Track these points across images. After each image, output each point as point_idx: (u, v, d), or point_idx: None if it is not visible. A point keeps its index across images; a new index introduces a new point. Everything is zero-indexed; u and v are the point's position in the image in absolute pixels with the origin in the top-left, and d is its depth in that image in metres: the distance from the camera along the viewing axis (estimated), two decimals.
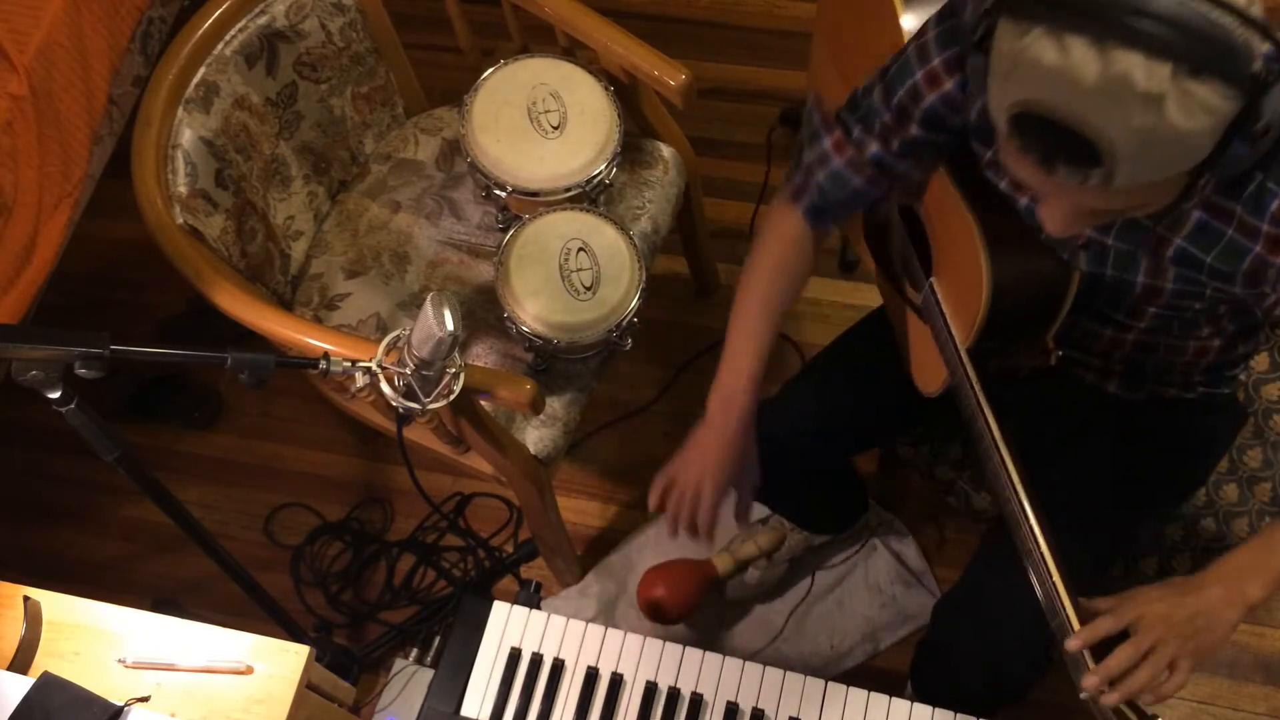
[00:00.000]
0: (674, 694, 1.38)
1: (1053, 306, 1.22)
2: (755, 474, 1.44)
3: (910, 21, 1.52)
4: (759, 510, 2.02)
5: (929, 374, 1.43)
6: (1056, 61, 0.88)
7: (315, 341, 1.52)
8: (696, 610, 1.99)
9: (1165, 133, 0.88)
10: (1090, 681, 1.11)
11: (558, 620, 1.43)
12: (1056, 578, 1.16)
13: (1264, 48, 0.88)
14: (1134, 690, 1.10)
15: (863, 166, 1.32)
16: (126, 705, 1.27)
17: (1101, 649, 1.11)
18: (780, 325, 1.43)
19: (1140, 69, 0.86)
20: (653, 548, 2.11)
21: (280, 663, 1.32)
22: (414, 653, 2.00)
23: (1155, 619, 1.11)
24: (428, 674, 1.93)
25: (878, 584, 2.05)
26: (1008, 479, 1.23)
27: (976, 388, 1.27)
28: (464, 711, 1.37)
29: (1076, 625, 1.13)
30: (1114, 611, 1.12)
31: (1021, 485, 1.21)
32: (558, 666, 1.40)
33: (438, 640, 2.02)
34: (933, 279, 1.35)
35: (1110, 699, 1.10)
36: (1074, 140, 0.90)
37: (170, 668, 1.32)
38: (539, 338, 1.66)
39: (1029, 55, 0.90)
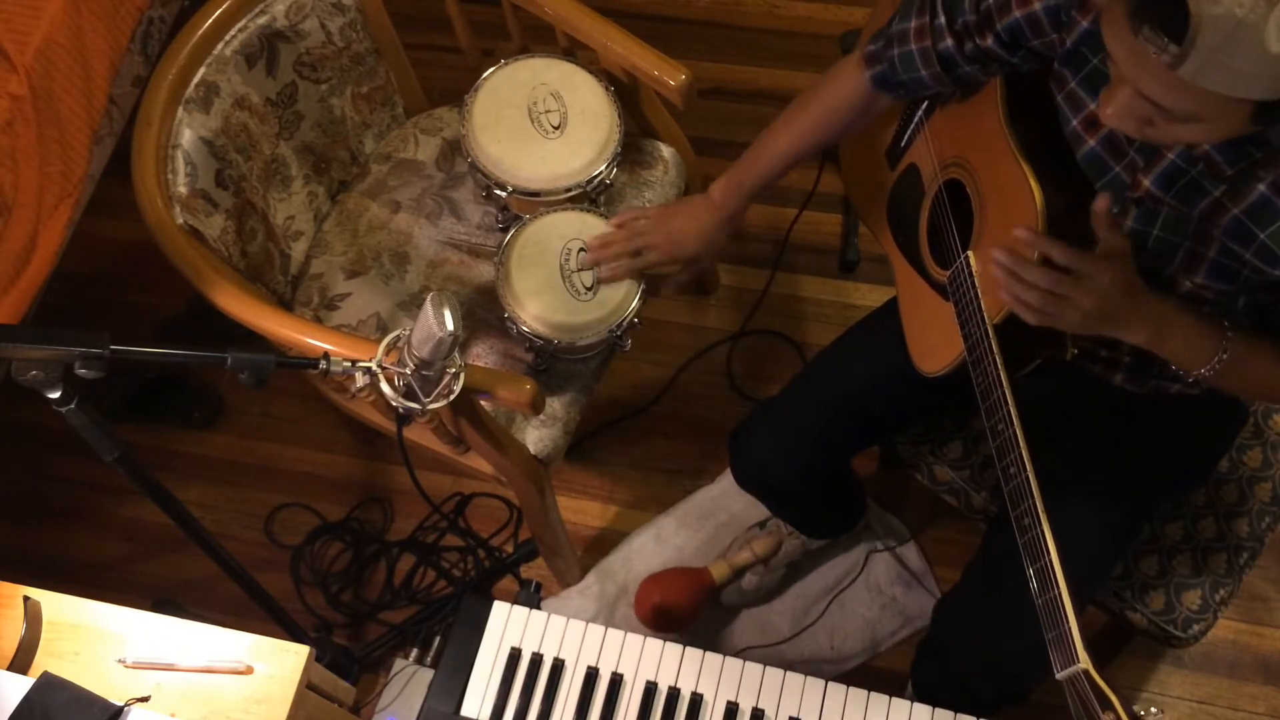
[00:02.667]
0: (674, 694, 1.38)
1: None
2: (707, 268, 1.53)
3: None
4: (758, 513, 2.03)
5: (934, 354, 1.43)
6: None
7: (315, 341, 1.52)
8: (695, 618, 1.99)
9: (1252, 39, 0.88)
10: (999, 255, 1.18)
11: (558, 620, 1.43)
12: (1063, 587, 1.15)
13: None
14: (1017, 294, 1.18)
15: (932, 60, 1.35)
16: (126, 705, 1.27)
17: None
18: (802, 160, 1.53)
19: None
20: (653, 548, 2.11)
21: (280, 663, 1.32)
22: (414, 653, 2.00)
23: (1099, 285, 1.16)
24: (428, 674, 1.93)
25: (878, 584, 2.05)
26: (1020, 463, 1.23)
27: (998, 361, 1.27)
28: (464, 711, 1.37)
29: (1078, 638, 1.13)
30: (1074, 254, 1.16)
31: (1034, 476, 1.22)
32: (558, 666, 1.40)
33: (438, 640, 2.02)
34: (969, 253, 1.35)
35: (1006, 294, 1.19)
36: (1171, 9, 0.91)
37: (170, 668, 1.32)
38: (539, 338, 1.66)
39: None
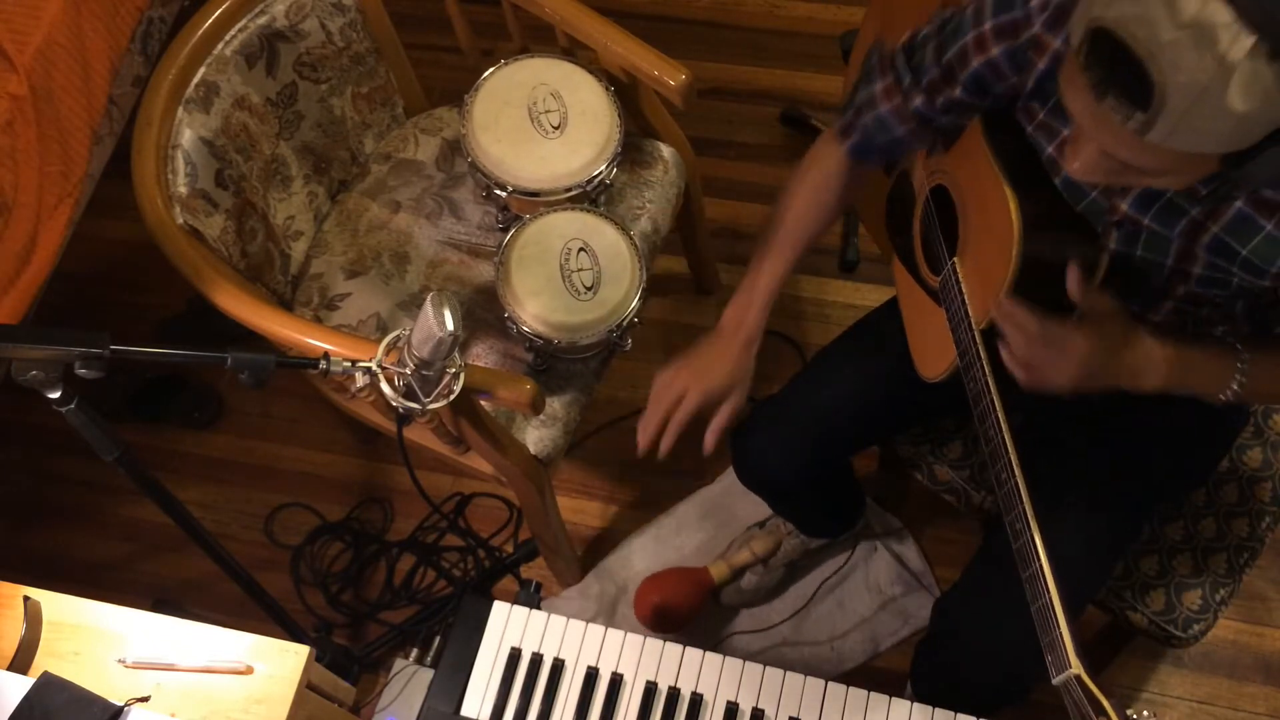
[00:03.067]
0: (674, 694, 1.38)
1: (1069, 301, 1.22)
2: (742, 399, 1.47)
3: None
4: (758, 513, 2.03)
5: (933, 360, 1.43)
6: None
7: (315, 341, 1.52)
8: (694, 618, 1.99)
9: (1218, 101, 0.88)
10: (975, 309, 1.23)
11: (558, 620, 1.43)
12: (1054, 594, 1.16)
13: None
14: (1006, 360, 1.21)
15: (907, 117, 1.34)
16: (126, 705, 1.27)
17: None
18: (806, 252, 1.48)
19: (1225, 31, 0.85)
20: (653, 548, 2.11)
21: (280, 663, 1.32)
22: (414, 653, 2.00)
23: (1068, 349, 1.17)
24: (428, 674, 1.93)
25: (878, 584, 2.05)
26: (1010, 469, 1.23)
27: (987, 368, 1.27)
28: (464, 711, 1.37)
29: (1069, 644, 1.13)
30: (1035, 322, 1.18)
31: (1024, 484, 1.21)
32: (558, 666, 1.40)
33: (438, 640, 2.02)
34: (955, 260, 1.35)
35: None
36: (1135, 74, 0.90)
37: (170, 668, 1.32)
38: (539, 338, 1.66)
39: None
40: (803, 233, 1.46)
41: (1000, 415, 1.25)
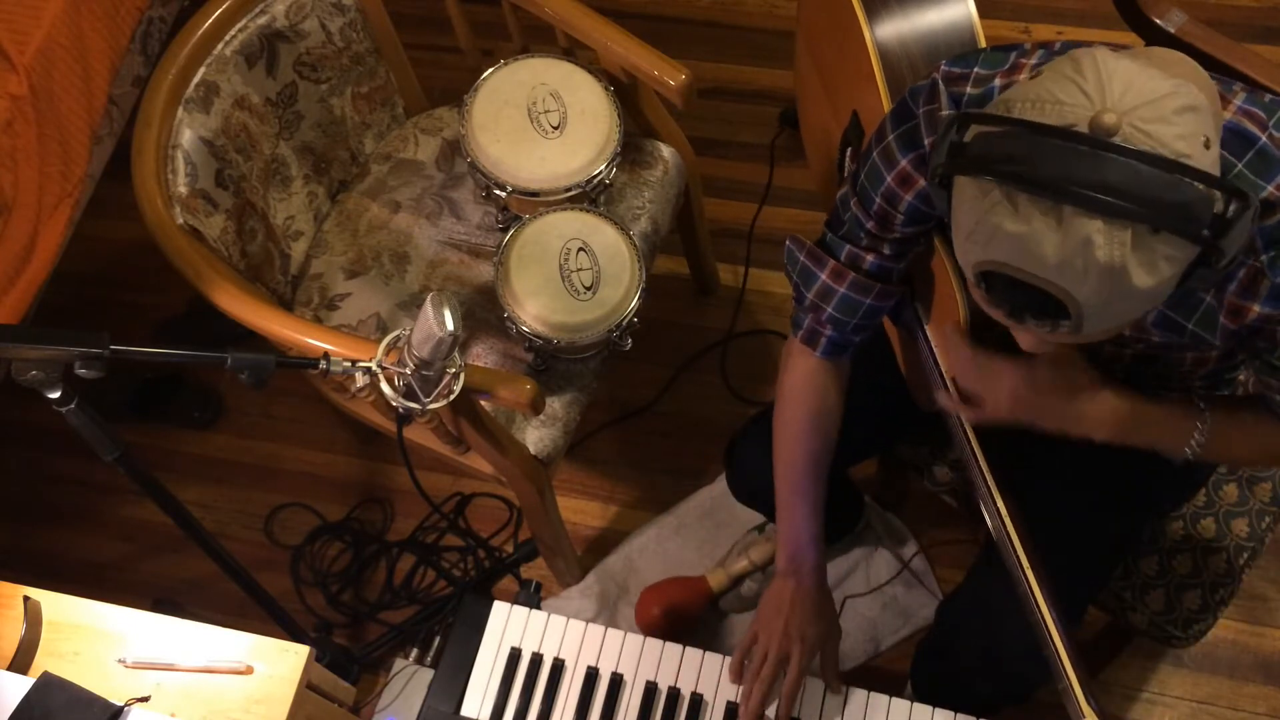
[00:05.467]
0: (674, 694, 1.38)
1: None
2: (839, 630, 1.42)
3: (881, 33, 1.50)
4: (758, 515, 2.03)
5: (923, 391, 1.43)
6: (1018, 230, 0.88)
7: (315, 341, 1.52)
8: (694, 626, 1.99)
9: (1130, 288, 0.88)
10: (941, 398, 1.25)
11: (558, 620, 1.43)
12: (1060, 647, 1.16)
13: (1220, 195, 0.87)
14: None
15: (866, 283, 1.29)
16: (126, 705, 1.27)
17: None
18: (825, 463, 1.41)
19: (1100, 234, 0.86)
20: (653, 548, 2.11)
21: (280, 663, 1.32)
22: (414, 653, 2.00)
23: (1001, 377, 1.18)
24: (428, 674, 1.93)
25: (879, 584, 2.05)
26: (996, 510, 1.24)
27: (969, 431, 1.28)
28: (464, 711, 1.37)
29: (1066, 659, 1.13)
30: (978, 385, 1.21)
31: (1010, 518, 1.22)
32: (558, 666, 1.40)
33: (438, 640, 2.02)
34: (917, 304, 1.36)
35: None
36: (1042, 298, 0.91)
37: (170, 668, 1.32)
38: (539, 338, 1.66)
39: (990, 221, 0.90)
40: (818, 459, 1.40)
41: (984, 466, 1.25)
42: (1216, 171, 0.89)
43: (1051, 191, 0.86)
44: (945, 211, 0.99)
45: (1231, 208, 0.87)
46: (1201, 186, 0.86)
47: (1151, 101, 0.86)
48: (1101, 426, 1.18)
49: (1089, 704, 1.13)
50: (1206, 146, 0.88)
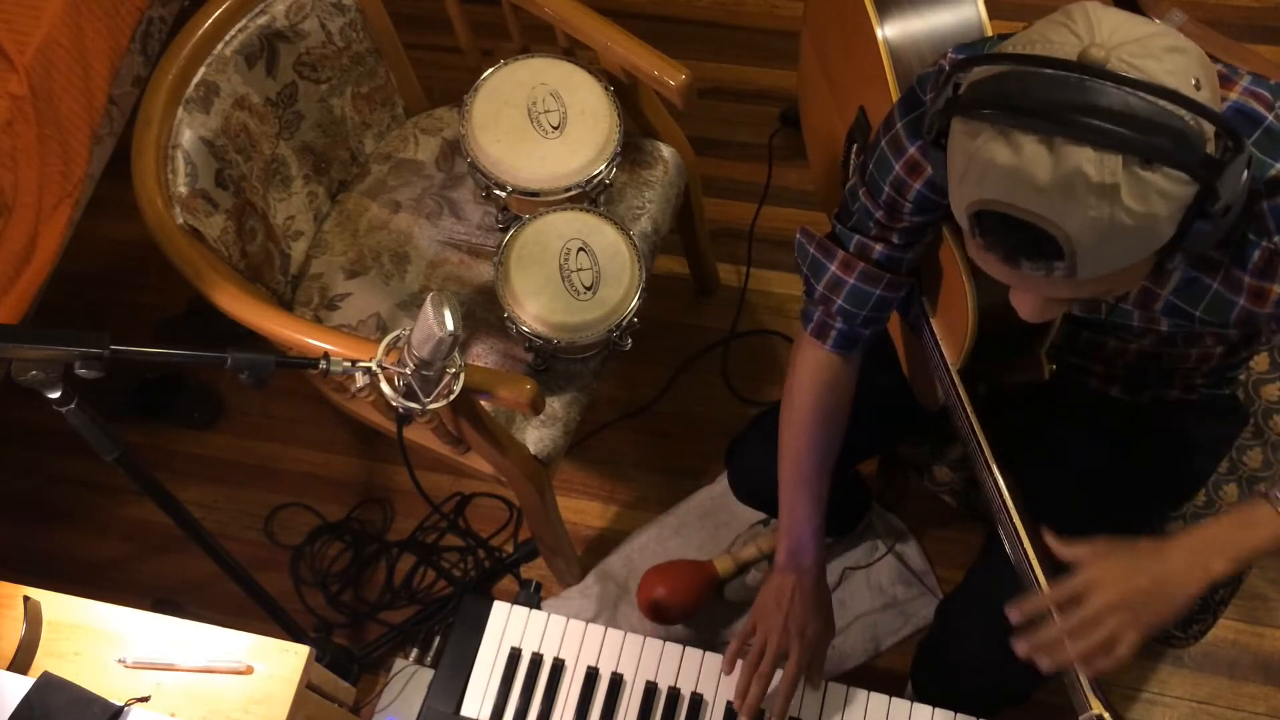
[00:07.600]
0: (674, 694, 1.38)
1: (1041, 327, 1.22)
2: (833, 629, 1.41)
3: (892, 31, 1.51)
4: (754, 519, 2.03)
5: (928, 392, 1.43)
6: (1009, 161, 0.88)
7: (315, 341, 1.52)
8: (697, 611, 1.99)
9: (1123, 222, 0.88)
10: (1021, 649, 1.10)
11: (558, 620, 1.43)
12: (1044, 585, 1.16)
13: (1213, 130, 0.87)
14: (1065, 663, 1.09)
15: (876, 274, 1.29)
16: (126, 705, 1.27)
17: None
18: (831, 461, 1.40)
19: (1091, 163, 0.86)
20: (653, 548, 2.11)
21: (280, 663, 1.32)
22: (414, 653, 2.00)
23: (1108, 584, 1.09)
24: (428, 674, 1.93)
25: (879, 584, 2.05)
26: (1001, 503, 1.23)
27: (969, 411, 1.27)
28: (464, 711, 1.37)
29: (1087, 689, 1.13)
30: (1068, 579, 1.12)
31: (1016, 510, 1.22)
32: (558, 666, 1.40)
33: (438, 640, 2.02)
34: (924, 298, 1.35)
35: (1045, 665, 1.10)
36: (1035, 235, 0.91)
37: (170, 668, 1.32)
38: (539, 338, 1.66)
39: (982, 156, 0.90)
40: (824, 453, 1.39)
41: (991, 460, 1.24)
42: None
43: (1041, 118, 0.87)
44: (942, 176, 0.99)
45: (1224, 149, 0.87)
46: (1191, 120, 0.86)
47: (1139, 39, 0.88)
48: (1192, 570, 1.11)
49: (1095, 695, 1.12)
50: (1197, 87, 0.88)
